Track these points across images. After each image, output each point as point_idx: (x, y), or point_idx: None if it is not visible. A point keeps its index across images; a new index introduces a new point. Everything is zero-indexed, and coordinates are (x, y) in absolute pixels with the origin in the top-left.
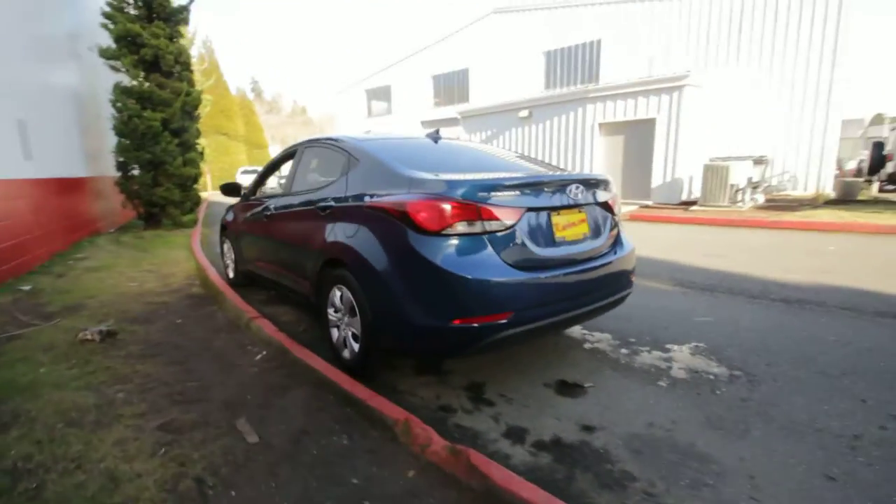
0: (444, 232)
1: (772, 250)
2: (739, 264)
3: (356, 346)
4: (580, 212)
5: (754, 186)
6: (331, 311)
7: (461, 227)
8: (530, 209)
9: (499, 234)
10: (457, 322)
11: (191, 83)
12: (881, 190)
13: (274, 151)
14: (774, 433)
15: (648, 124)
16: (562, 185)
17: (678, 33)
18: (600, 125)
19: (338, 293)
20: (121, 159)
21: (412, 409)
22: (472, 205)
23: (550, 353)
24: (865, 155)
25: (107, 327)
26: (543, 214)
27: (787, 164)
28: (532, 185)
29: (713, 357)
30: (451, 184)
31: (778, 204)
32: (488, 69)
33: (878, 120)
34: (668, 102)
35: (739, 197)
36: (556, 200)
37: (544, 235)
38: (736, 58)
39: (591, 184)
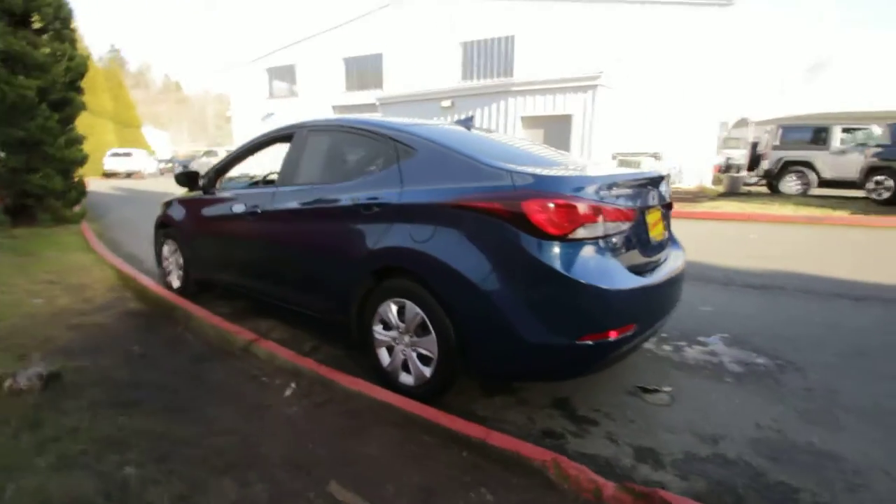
0: (569, 236)
1: (705, 239)
2: (689, 253)
3: (426, 371)
4: (658, 210)
5: None
6: (378, 328)
7: (585, 231)
8: (641, 209)
9: (619, 236)
10: (584, 339)
11: (73, 44)
12: (745, 184)
13: (148, 132)
14: (863, 422)
15: (566, 120)
16: (654, 183)
17: (587, 35)
18: (522, 118)
19: (393, 307)
20: None
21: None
22: (596, 204)
23: None
24: (729, 154)
25: (46, 369)
26: (642, 214)
27: (674, 160)
28: (639, 183)
29: (747, 347)
30: (567, 180)
31: (677, 196)
32: (404, 56)
33: (741, 123)
34: (584, 100)
35: None
36: (649, 199)
37: (644, 236)
38: (636, 62)
39: (666, 181)
